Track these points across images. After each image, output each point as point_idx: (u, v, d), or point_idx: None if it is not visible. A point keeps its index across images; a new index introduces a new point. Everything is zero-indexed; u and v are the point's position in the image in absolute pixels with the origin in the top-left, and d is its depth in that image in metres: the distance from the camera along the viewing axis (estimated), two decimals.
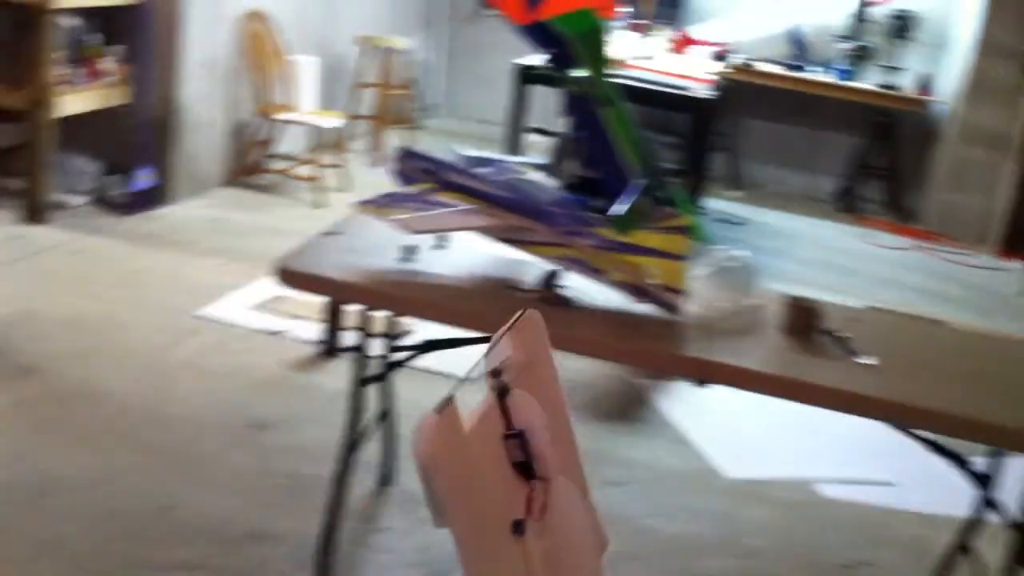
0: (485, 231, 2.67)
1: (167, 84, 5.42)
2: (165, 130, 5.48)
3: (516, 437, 2.05)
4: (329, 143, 6.42)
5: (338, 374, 3.94)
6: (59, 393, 3.49)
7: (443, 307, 2.51)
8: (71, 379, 3.59)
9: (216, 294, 4.48)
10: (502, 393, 2.06)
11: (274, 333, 4.23)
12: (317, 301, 4.21)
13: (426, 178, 2.79)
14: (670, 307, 2.52)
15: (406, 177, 2.86)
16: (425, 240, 2.71)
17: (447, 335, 2.72)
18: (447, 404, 1.95)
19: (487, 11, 8.48)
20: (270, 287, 4.62)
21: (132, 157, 5.39)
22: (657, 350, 2.45)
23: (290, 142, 6.44)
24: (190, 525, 2.89)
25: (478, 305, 2.54)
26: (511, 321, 2.12)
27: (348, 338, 4.12)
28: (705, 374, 2.37)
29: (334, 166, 6.39)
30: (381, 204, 2.66)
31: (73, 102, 5.00)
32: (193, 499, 3.00)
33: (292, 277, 2.55)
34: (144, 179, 5.39)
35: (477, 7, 8.62)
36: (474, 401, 1.77)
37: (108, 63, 5.21)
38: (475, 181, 2.72)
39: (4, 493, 2.89)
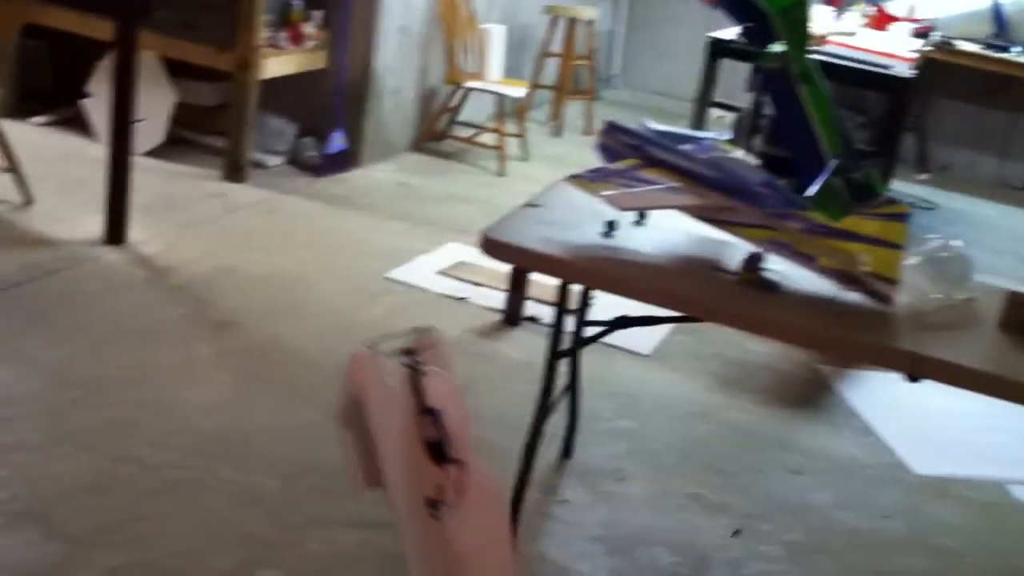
0: (691, 210, 2.63)
1: (364, 50, 5.53)
2: (359, 95, 5.59)
3: (429, 414, 2.06)
4: (512, 112, 6.45)
5: (520, 343, 3.98)
6: (256, 347, 3.62)
7: (645, 286, 2.48)
8: (266, 334, 3.71)
9: (402, 258, 4.57)
10: (415, 371, 2.07)
11: (458, 299, 4.28)
12: (501, 269, 4.25)
13: (631, 153, 2.77)
14: (882, 297, 2.44)
15: (610, 152, 2.84)
16: (625, 216, 2.69)
17: (633, 311, 2.71)
18: (377, 344, 1.99)
19: None
20: (455, 252, 4.69)
21: (326, 120, 5.52)
22: (867, 341, 2.37)
23: (474, 110, 6.49)
24: None
25: (681, 285, 2.51)
26: (409, 337, 2.11)
27: (531, 308, 4.15)
28: (919, 369, 2.28)
29: (516, 135, 6.42)
30: (590, 179, 2.64)
31: (276, 65, 5.16)
32: None
33: (496, 248, 2.56)
34: (337, 142, 5.52)
35: None
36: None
37: (309, 26, 5.35)
38: (682, 159, 2.67)
39: (208, 443, 3.02)
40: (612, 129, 2.81)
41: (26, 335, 3.41)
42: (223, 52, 4.99)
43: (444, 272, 4.50)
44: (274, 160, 5.48)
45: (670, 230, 2.74)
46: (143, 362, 3.39)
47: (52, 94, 5.59)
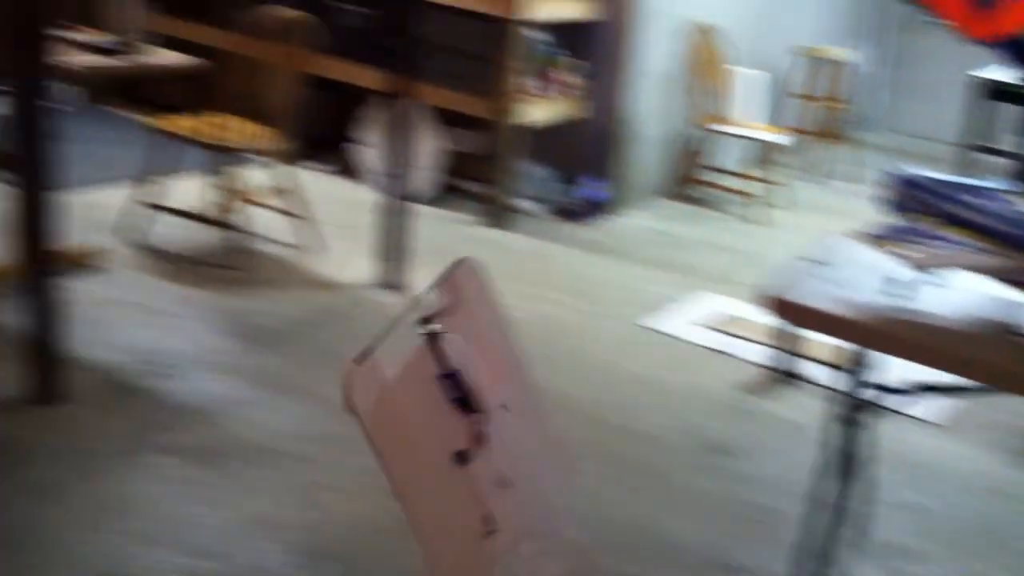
0: (1002, 273, 2.51)
1: (620, 97, 5.58)
2: (616, 142, 5.65)
3: (451, 377, 2.05)
4: (767, 157, 6.35)
5: (790, 403, 3.88)
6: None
7: (947, 353, 2.37)
8: (541, 384, 3.76)
9: (660, 306, 4.56)
10: (433, 338, 2.03)
11: (720, 352, 4.23)
12: (765, 323, 4.17)
13: (920, 207, 2.67)
14: None
15: (900, 206, 2.74)
16: (919, 277, 2.59)
17: (918, 376, 2.59)
18: (366, 354, 1.97)
19: (931, 20, 8.08)
20: (709, 302, 4.65)
21: (583, 167, 5.60)
22: None
23: (726, 155, 6.44)
24: (665, 546, 2.91)
25: (987, 353, 2.38)
26: (444, 273, 2.11)
27: (805, 367, 4.04)
28: None
29: (772, 182, 6.30)
30: (884, 236, 2.56)
31: (535, 112, 5.28)
32: (664, 519, 3.03)
33: (786, 308, 2.51)
34: (595, 189, 5.59)
35: (918, 16, 8.23)
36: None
37: (569, 76, 5.45)
38: (982, 216, 2.56)
39: None
40: (901, 182, 2.71)
41: (319, 374, 3.58)
42: (482, 99, 5.16)
43: (703, 322, 4.46)
44: (534, 206, 5.60)
45: (967, 292, 2.61)
46: None
47: (318, 140, 5.90)
